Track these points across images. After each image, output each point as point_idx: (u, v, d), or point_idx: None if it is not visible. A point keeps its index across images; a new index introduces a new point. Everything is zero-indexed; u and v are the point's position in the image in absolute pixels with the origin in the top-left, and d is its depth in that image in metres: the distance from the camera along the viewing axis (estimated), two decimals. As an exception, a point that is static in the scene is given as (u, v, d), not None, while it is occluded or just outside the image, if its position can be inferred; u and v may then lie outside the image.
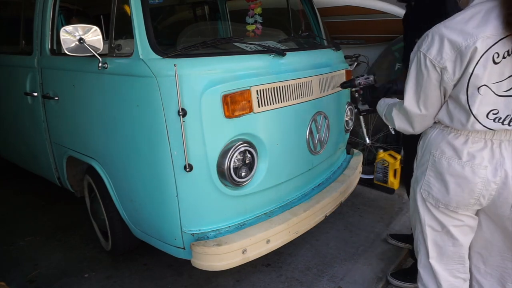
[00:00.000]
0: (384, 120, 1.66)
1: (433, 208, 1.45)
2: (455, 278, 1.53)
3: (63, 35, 1.77)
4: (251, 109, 1.81)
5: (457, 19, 1.26)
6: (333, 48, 2.57)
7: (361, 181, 2.98)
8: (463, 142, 1.33)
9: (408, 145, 2.18)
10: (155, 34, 1.76)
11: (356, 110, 2.08)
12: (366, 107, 1.96)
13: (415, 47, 1.35)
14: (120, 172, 2.02)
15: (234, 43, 2.04)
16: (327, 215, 2.22)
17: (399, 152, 3.37)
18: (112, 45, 1.91)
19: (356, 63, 3.62)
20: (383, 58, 3.58)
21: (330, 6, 3.67)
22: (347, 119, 2.60)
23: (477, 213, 1.45)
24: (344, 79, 2.40)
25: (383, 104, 1.67)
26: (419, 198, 1.48)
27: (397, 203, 3.13)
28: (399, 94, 1.72)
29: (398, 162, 3.25)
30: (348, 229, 2.74)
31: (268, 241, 1.86)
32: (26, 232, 2.80)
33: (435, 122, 1.44)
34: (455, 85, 1.29)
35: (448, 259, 1.51)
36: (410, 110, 1.40)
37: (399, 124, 1.50)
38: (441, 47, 1.25)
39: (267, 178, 1.96)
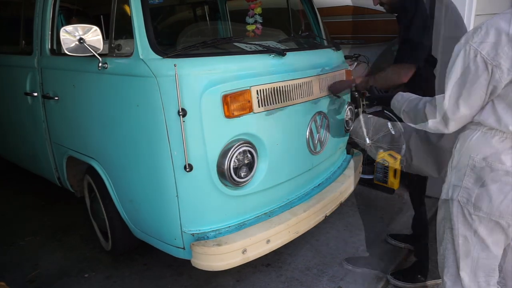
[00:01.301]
0: (403, 117, 1.51)
1: (470, 216, 1.33)
2: None
3: (63, 35, 1.77)
4: (251, 109, 1.81)
5: None
6: (333, 48, 2.56)
7: (361, 181, 2.98)
8: (509, 147, 1.24)
9: (411, 143, 2.13)
10: (155, 34, 1.76)
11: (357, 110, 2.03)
12: (374, 108, 1.90)
13: (463, 40, 1.24)
14: (120, 172, 2.02)
15: (234, 43, 2.04)
16: (327, 215, 2.22)
17: (399, 152, 3.37)
18: (112, 45, 1.91)
19: (356, 63, 3.62)
20: (383, 58, 3.58)
21: (330, 6, 3.67)
22: (347, 119, 2.59)
23: None
24: (344, 79, 2.39)
25: (401, 99, 1.52)
26: (455, 206, 1.36)
27: (397, 203, 3.13)
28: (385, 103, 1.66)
29: (398, 162, 3.25)
30: (348, 229, 2.74)
31: (268, 241, 1.86)
32: (26, 232, 2.80)
33: (475, 124, 1.31)
34: (506, 85, 1.18)
35: (479, 271, 1.40)
36: (449, 109, 1.28)
37: (433, 122, 1.36)
38: (497, 42, 1.15)
39: (267, 178, 1.96)
